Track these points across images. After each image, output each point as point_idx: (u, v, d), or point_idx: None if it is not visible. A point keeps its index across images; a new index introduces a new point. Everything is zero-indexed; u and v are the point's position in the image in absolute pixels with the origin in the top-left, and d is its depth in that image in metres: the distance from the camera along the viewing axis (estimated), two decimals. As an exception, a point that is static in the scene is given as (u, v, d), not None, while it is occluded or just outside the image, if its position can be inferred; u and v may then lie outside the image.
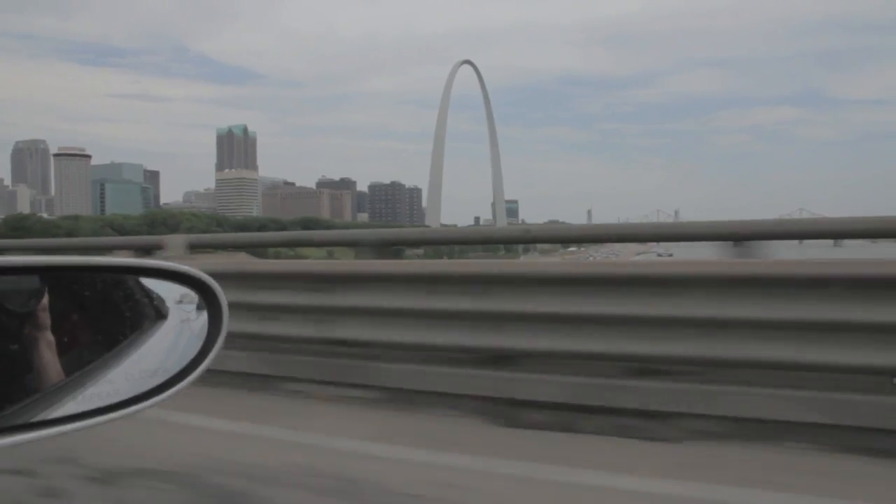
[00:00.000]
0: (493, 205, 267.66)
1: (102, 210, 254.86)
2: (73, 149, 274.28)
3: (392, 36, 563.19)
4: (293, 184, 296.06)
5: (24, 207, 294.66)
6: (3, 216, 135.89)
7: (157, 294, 1.06)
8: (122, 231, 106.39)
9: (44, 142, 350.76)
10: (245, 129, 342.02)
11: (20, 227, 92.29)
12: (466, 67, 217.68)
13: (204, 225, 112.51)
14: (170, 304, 1.05)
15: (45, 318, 0.91)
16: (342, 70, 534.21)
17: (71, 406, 0.91)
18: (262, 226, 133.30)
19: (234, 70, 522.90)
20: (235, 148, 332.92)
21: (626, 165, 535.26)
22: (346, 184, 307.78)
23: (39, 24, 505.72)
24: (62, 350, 0.91)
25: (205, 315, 1.06)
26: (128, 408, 0.96)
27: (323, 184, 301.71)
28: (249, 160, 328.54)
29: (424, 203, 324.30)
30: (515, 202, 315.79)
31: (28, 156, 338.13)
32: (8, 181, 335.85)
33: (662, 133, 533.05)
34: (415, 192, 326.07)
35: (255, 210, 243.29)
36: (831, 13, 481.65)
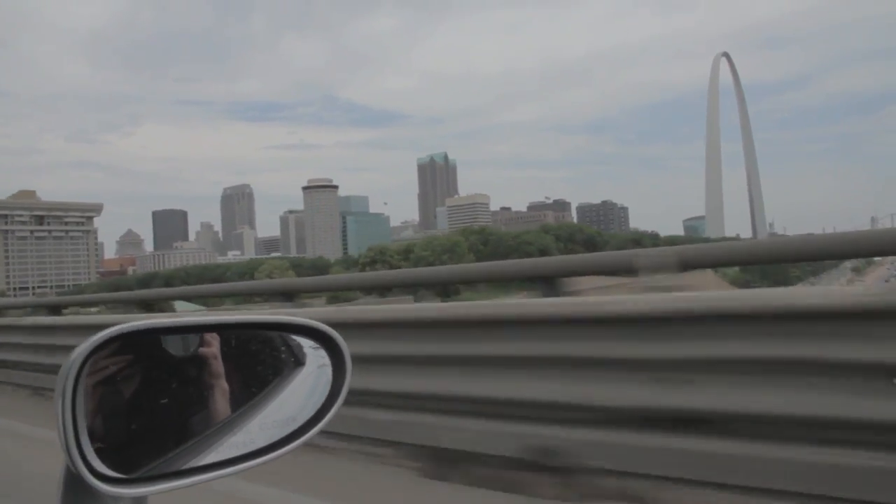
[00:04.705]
0: (752, 214, 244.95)
1: (345, 242, 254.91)
2: (322, 180, 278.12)
3: (530, 65, 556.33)
4: (509, 208, 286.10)
5: (249, 247, 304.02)
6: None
7: (294, 341, 1.06)
8: (592, 248, 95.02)
9: (249, 186, 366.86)
10: (445, 157, 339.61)
11: (487, 242, 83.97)
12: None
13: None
14: (307, 349, 1.06)
15: (219, 365, 0.92)
16: (482, 103, 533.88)
17: (213, 455, 0.92)
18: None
19: (378, 113, 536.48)
20: (438, 175, 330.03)
21: (790, 174, 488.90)
22: (562, 205, 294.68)
23: (213, 89, 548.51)
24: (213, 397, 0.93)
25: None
26: (262, 457, 0.96)
27: (535, 206, 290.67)
28: (451, 187, 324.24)
29: (632, 223, 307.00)
30: (702, 218, 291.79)
31: (236, 200, 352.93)
32: (218, 227, 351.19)
33: (825, 137, 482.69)
34: (622, 212, 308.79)
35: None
36: None
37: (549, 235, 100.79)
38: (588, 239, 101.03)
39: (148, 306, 9.57)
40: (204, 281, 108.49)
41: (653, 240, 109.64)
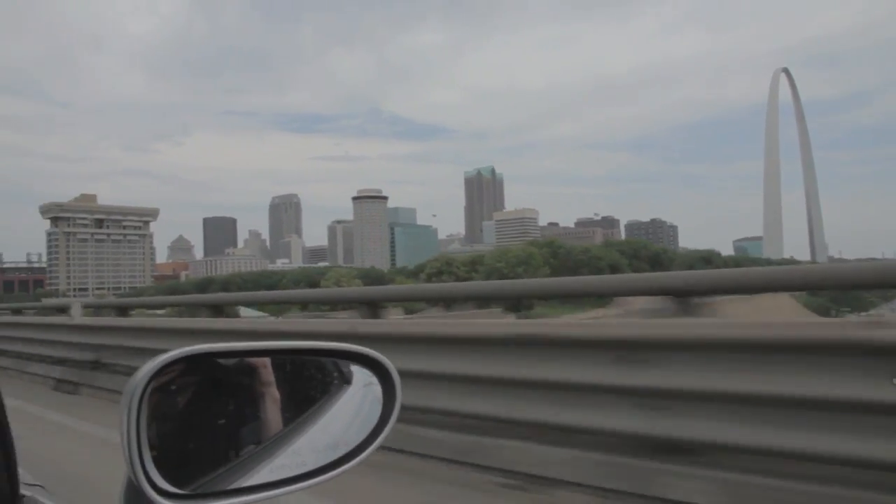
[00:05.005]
0: (811, 236, 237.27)
1: (393, 253, 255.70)
2: (371, 191, 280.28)
3: (574, 81, 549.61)
4: (557, 224, 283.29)
5: (297, 255, 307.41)
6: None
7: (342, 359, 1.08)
8: (657, 265, 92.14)
9: (296, 196, 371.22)
10: (493, 171, 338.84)
11: (555, 255, 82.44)
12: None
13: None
14: (353, 367, 1.07)
15: (269, 373, 0.95)
16: (526, 119, 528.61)
17: (264, 473, 0.93)
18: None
19: (422, 127, 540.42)
20: (485, 189, 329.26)
21: (843, 197, 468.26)
22: (610, 222, 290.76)
23: (261, 101, 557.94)
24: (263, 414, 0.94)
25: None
26: (313, 478, 0.97)
27: (582, 223, 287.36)
28: (497, 201, 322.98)
29: (681, 242, 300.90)
30: (754, 239, 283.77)
31: (283, 210, 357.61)
32: (265, 235, 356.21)
33: (882, 159, 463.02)
34: (672, 230, 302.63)
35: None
36: None
37: (614, 251, 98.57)
38: (654, 256, 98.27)
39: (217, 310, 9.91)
40: (260, 287, 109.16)
41: (722, 259, 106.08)
